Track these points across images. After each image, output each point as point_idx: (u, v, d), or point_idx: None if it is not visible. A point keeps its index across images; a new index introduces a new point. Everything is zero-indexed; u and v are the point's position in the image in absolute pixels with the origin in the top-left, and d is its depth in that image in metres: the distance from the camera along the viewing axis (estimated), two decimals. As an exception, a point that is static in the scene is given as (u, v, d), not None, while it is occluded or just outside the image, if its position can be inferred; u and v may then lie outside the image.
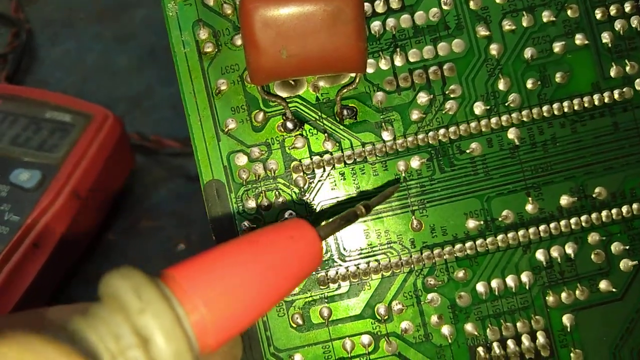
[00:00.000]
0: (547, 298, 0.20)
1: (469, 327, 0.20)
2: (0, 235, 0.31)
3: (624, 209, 0.20)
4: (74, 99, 0.38)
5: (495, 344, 0.20)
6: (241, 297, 0.13)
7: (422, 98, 0.20)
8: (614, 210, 0.20)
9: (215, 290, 0.13)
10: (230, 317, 0.13)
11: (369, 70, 0.20)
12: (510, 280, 0.20)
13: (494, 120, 0.20)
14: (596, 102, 0.20)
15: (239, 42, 0.19)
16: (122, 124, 0.37)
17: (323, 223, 0.17)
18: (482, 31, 0.20)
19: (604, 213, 0.20)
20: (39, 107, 0.38)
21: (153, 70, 0.46)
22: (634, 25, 0.20)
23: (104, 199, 0.36)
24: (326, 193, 0.20)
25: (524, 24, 0.20)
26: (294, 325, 0.20)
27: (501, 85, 0.20)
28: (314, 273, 0.19)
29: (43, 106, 0.38)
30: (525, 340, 0.20)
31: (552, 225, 0.20)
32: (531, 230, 0.20)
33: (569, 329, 0.20)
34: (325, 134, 0.20)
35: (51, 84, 0.46)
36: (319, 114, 0.20)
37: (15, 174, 0.34)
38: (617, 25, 0.20)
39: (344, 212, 0.17)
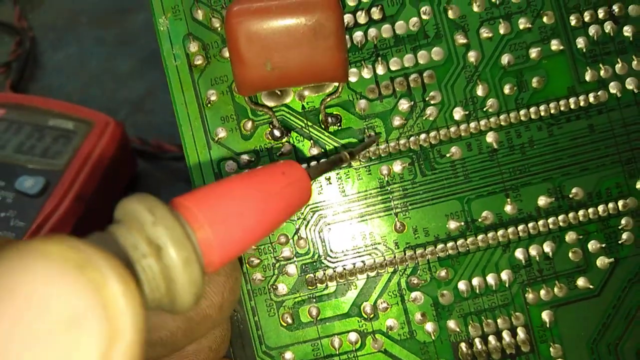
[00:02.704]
0: (526, 295, 0.20)
1: (451, 324, 0.20)
2: (6, 241, 0.32)
3: (600, 208, 0.20)
4: (76, 107, 0.39)
5: (477, 340, 0.20)
6: (240, 220, 0.15)
7: (404, 105, 0.20)
8: (590, 210, 0.20)
9: (217, 213, 0.14)
10: (231, 237, 0.14)
11: (352, 79, 0.20)
12: (490, 279, 0.20)
13: (472, 125, 0.20)
14: (572, 106, 0.20)
15: (227, 54, 0.20)
16: (123, 130, 0.38)
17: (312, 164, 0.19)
18: (461, 39, 0.20)
19: (580, 212, 0.20)
20: (42, 115, 0.39)
21: (155, 74, 0.47)
22: (607, 31, 0.20)
23: (106, 204, 0.37)
24: (313, 197, 0.20)
25: (501, 31, 0.20)
26: (284, 324, 0.20)
27: (479, 91, 0.20)
28: (302, 274, 0.20)
29: (46, 114, 0.39)
30: (506, 336, 0.20)
31: (530, 225, 0.20)
32: (510, 230, 0.20)
33: (548, 325, 0.20)
34: (311, 141, 0.20)
35: (54, 90, 0.47)
36: (305, 121, 0.21)
37: (20, 181, 0.35)
38: (591, 30, 0.20)
39: (331, 157, 0.19)
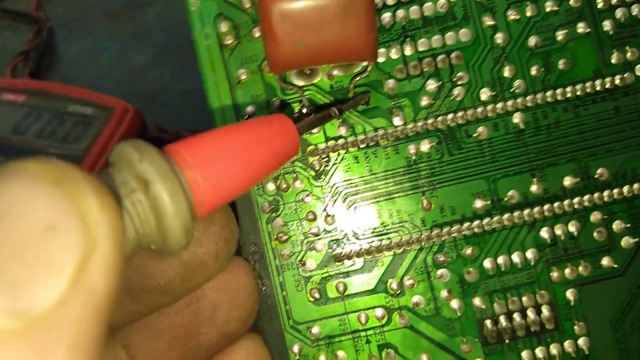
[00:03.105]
0: (551, 274, 0.21)
1: (477, 301, 0.21)
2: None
3: (625, 188, 0.21)
4: (95, 93, 0.40)
5: (502, 317, 0.21)
6: (227, 162, 0.15)
7: (431, 85, 0.21)
8: (615, 190, 0.21)
9: (204, 155, 0.15)
10: (219, 177, 0.15)
11: (381, 59, 0.21)
12: (516, 257, 0.21)
13: (499, 105, 0.21)
14: (598, 88, 0.21)
15: (257, 34, 0.21)
16: (142, 117, 0.39)
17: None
18: (488, 21, 0.21)
19: (605, 193, 0.21)
20: (62, 101, 0.39)
21: (167, 67, 0.47)
22: (634, 14, 0.20)
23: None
24: (341, 175, 0.21)
25: (528, 13, 0.21)
26: (312, 300, 0.21)
27: (506, 72, 0.21)
28: (330, 250, 0.21)
29: (65, 100, 0.39)
30: (531, 314, 0.21)
31: (556, 204, 0.21)
32: (536, 209, 0.21)
33: (572, 303, 0.21)
34: (340, 120, 0.21)
35: (70, 82, 0.47)
36: (333, 101, 0.21)
37: (41, 165, 0.35)
38: (618, 13, 0.21)
39: (320, 113, 0.19)
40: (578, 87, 0.21)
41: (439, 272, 0.21)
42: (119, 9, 0.51)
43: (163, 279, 0.17)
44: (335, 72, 0.21)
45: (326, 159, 0.21)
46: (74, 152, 0.36)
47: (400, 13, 0.21)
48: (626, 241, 0.21)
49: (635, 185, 0.21)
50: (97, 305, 0.11)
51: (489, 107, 0.21)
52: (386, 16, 0.21)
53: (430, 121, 0.21)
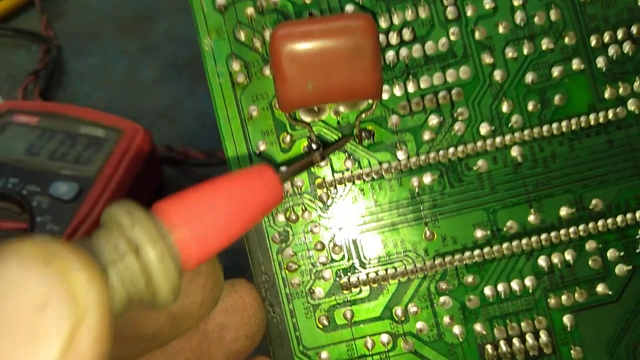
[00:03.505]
0: (548, 300, 0.22)
1: (478, 327, 0.22)
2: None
3: (619, 218, 0.22)
4: (106, 115, 0.41)
5: (502, 342, 0.22)
6: (213, 219, 0.16)
7: (433, 120, 0.22)
8: (609, 220, 0.22)
9: (191, 213, 0.16)
10: (205, 235, 0.16)
11: (385, 96, 0.22)
12: (515, 285, 0.22)
13: (498, 139, 0.22)
14: (592, 122, 0.22)
15: (267, 72, 0.22)
16: (151, 137, 0.40)
17: (283, 168, 0.20)
18: (487, 59, 0.22)
19: (600, 223, 0.22)
20: (74, 123, 0.40)
21: (177, 82, 0.48)
22: (625, 51, 0.21)
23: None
24: (347, 207, 0.22)
25: (525, 51, 0.22)
26: (320, 326, 0.22)
27: (505, 108, 0.22)
28: (337, 279, 0.22)
29: (77, 122, 0.40)
30: (530, 339, 0.22)
31: (552, 234, 0.22)
32: (533, 239, 0.22)
33: (569, 329, 0.22)
34: (346, 154, 0.22)
35: (81, 98, 0.48)
36: (340, 136, 0.22)
37: (55, 186, 0.36)
38: (611, 50, 0.22)
39: (303, 160, 0.21)
40: (573, 121, 0.22)
41: (442, 299, 0.22)
42: (129, 24, 0.52)
43: (152, 328, 0.18)
44: (342, 109, 0.22)
45: (334, 191, 0.22)
46: (86, 173, 0.37)
47: (403, 52, 0.22)
48: (620, 269, 0.22)
49: (628, 215, 0.22)
50: None
51: (488, 142, 0.22)
52: (390, 55, 0.22)
53: (432, 155, 0.22)
